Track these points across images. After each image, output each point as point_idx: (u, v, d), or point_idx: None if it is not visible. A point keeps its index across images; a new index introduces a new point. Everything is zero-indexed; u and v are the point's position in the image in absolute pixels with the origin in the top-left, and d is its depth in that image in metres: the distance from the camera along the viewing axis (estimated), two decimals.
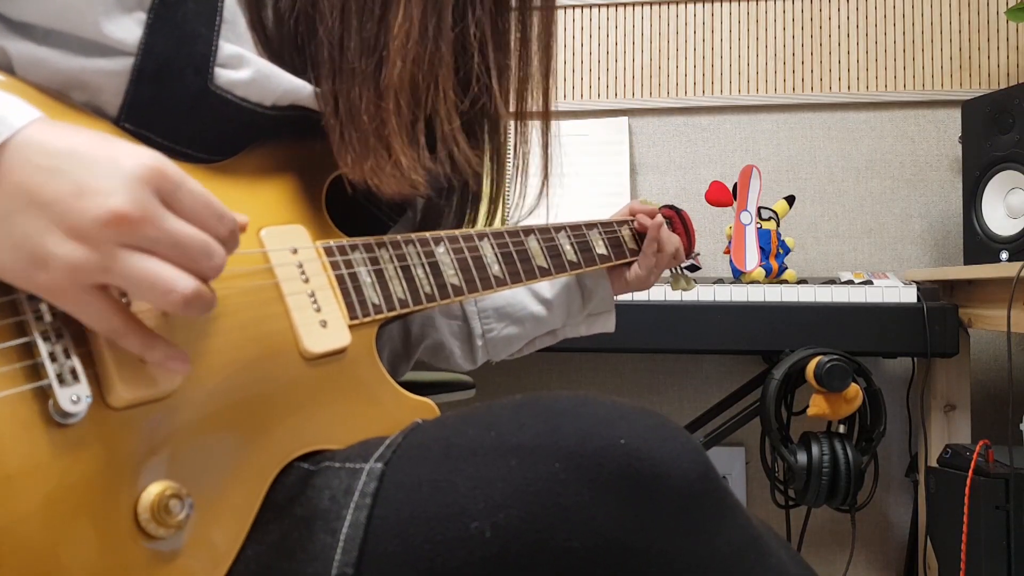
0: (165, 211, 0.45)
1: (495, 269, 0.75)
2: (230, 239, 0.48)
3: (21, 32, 0.53)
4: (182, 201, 0.46)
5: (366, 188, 0.64)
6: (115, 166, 0.44)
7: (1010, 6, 1.79)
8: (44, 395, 0.44)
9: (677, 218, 1.03)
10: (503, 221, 0.83)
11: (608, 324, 0.99)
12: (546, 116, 0.78)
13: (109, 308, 0.44)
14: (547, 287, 0.93)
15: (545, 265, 0.81)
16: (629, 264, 0.94)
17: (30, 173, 0.43)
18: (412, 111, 0.65)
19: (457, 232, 0.73)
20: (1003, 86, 1.81)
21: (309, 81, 0.63)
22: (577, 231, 0.87)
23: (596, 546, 0.48)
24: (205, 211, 0.47)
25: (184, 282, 0.44)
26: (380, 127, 0.63)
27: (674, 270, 1.04)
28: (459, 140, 0.68)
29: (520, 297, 0.92)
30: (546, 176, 0.80)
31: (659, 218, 0.94)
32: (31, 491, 0.43)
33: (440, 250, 0.71)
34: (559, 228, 0.85)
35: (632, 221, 0.94)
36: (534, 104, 0.77)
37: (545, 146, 0.79)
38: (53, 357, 0.45)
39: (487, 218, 0.82)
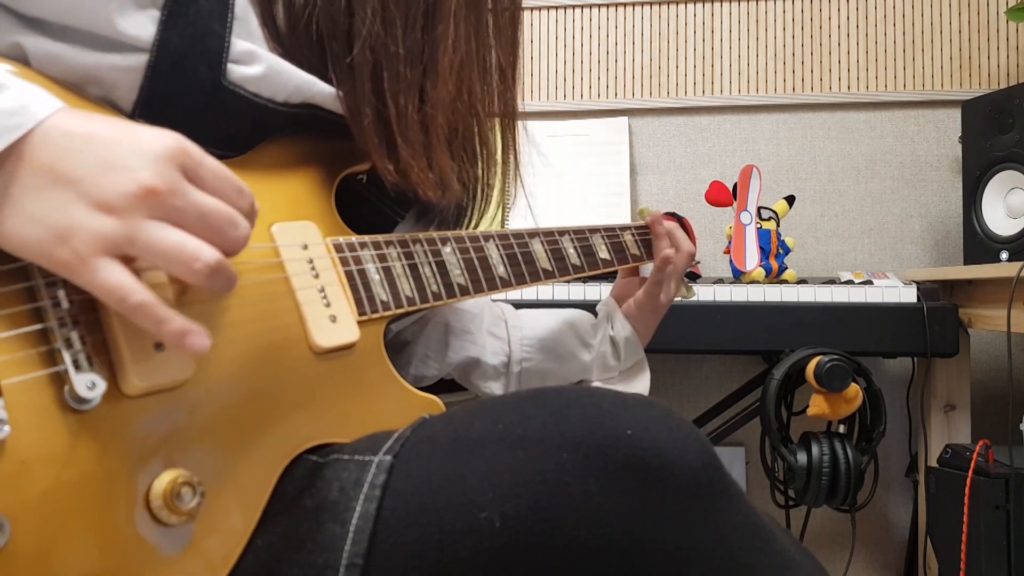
0: (190, 185, 0.46)
1: (500, 270, 0.76)
2: (251, 213, 0.50)
3: (36, 28, 0.53)
4: (204, 177, 0.47)
5: (398, 188, 0.66)
6: (139, 145, 0.45)
7: (1010, 6, 1.80)
8: (60, 381, 0.45)
9: (678, 225, 1.03)
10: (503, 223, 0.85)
11: (641, 384, 0.97)
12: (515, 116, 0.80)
13: (123, 274, 0.44)
14: (591, 332, 0.94)
15: (549, 268, 0.82)
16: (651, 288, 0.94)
17: (54, 152, 0.44)
18: (451, 123, 0.67)
19: (464, 233, 0.74)
20: (1003, 86, 1.81)
21: (327, 80, 0.64)
22: (580, 235, 0.88)
23: (603, 535, 0.48)
24: (226, 185, 0.48)
25: (209, 252, 0.45)
26: (426, 137, 0.65)
27: None
28: (490, 151, 0.71)
29: (565, 335, 0.93)
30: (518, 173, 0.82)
31: (670, 224, 0.95)
32: (45, 475, 0.43)
33: (447, 250, 0.72)
34: (563, 232, 0.85)
35: (632, 228, 0.95)
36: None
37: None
38: (69, 343, 0.45)
39: (493, 219, 0.84)
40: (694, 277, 1.07)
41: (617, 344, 0.94)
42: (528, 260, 0.79)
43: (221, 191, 0.48)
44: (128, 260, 0.45)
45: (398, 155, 0.64)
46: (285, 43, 0.63)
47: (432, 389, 0.79)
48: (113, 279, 0.44)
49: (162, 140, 0.46)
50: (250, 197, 0.50)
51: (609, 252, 0.90)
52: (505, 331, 0.92)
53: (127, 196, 0.43)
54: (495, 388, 0.92)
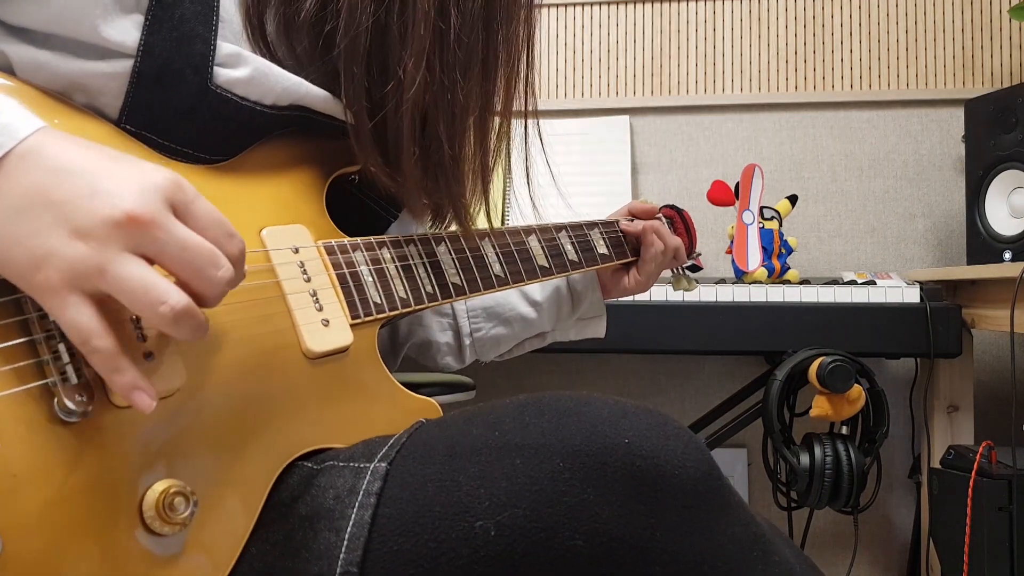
0: (175, 220, 0.45)
1: (496, 268, 0.75)
2: (239, 259, 0.48)
3: (20, 36, 0.53)
4: (195, 214, 0.46)
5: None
6: (131, 174, 0.44)
7: (1013, 5, 1.79)
8: (49, 393, 0.44)
9: (678, 218, 1.02)
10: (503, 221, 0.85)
11: (599, 329, 1.00)
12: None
13: (90, 317, 0.43)
14: (537, 289, 0.93)
15: (546, 264, 0.81)
16: (628, 267, 0.94)
17: (43, 174, 0.43)
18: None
19: (458, 232, 0.73)
20: (1006, 85, 1.80)
21: (321, 83, 0.63)
22: (578, 231, 0.87)
23: (600, 544, 0.48)
24: (217, 228, 0.47)
25: (177, 296, 0.43)
26: (480, 173, 0.69)
27: (675, 270, 1.04)
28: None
29: (510, 298, 0.92)
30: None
31: (650, 221, 0.94)
32: (37, 488, 0.43)
33: (441, 249, 0.71)
34: (560, 228, 0.85)
35: (632, 221, 0.94)
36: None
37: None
38: (57, 356, 0.45)
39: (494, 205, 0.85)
40: (696, 269, 1.07)
41: (576, 294, 0.94)
42: (525, 257, 0.79)
43: (210, 231, 0.46)
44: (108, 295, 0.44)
45: (449, 191, 0.67)
46: (276, 50, 0.62)
47: (430, 391, 0.79)
48: (80, 319, 0.43)
49: (157, 172, 0.45)
50: (240, 244, 0.48)
51: (607, 247, 0.90)
52: (450, 305, 0.91)
53: (106, 222, 0.42)
54: (451, 362, 0.92)
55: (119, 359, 0.44)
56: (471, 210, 0.70)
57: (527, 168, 0.76)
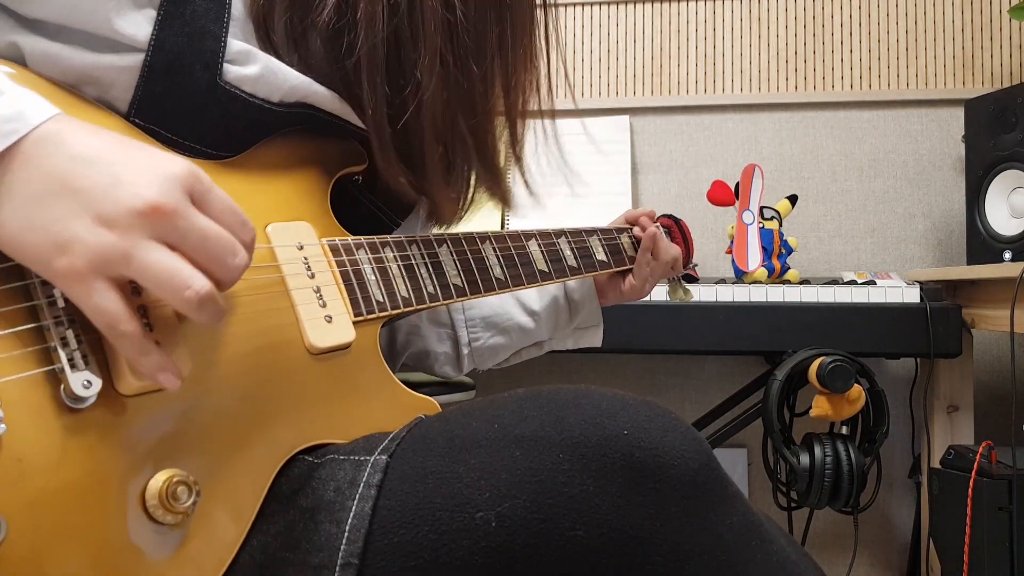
0: (195, 209, 0.46)
1: (496, 271, 0.76)
2: (251, 246, 0.50)
3: (33, 28, 0.53)
4: (211, 204, 0.47)
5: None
6: (151, 164, 0.45)
7: (1013, 5, 1.79)
8: (56, 379, 0.45)
9: (676, 228, 1.03)
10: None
11: (595, 339, 1.00)
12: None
13: (116, 302, 0.44)
14: (535, 299, 0.93)
15: (546, 269, 0.82)
16: (624, 274, 0.95)
17: (63, 162, 0.44)
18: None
19: (460, 234, 0.74)
20: (1006, 85, 1.81)
21: (330, 84, 0.64)
22: (577, 236, 0.88)
23: (600, 535, 0.48)
24: (232, 216, 0.48)
25: (201, 281, 0.45)
26: (513, 152, 0.71)
27: (672, 280, 1.04)
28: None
29: (508, 307, 0.92)
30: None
31: (653, 228, 0.95)
32: (42, 473, 0.44)
33: (443, 251, 0.72)
34: (559, 233, 0.86)
35: (631, 229, 0.95)
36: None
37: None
38: (65, 342, 0.45)
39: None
40: (691, 280, 1.07)
41: (574, 304, 0.94)
42: (524, 261, 0.80)
43: (226, 219, 0.48)
44: (126, 282, 0.45)
45: (489, 176, 0.70)
46: (282, 57, 0.63)
47: (430, 391, 0.79)
48: (107, 304, 0.44)
49: (175, 163, 0.46)
50: (252, 231, 0.50)
51: (606, 254, 0.90)
52: (448, 315, 0.92)
53: (131, 212, 0.43)
54: (449, 371, 0.93)
55: (146, 342, 0.45)
56: (507, 192, 0.73)
57: (538, 157, 0.76)
